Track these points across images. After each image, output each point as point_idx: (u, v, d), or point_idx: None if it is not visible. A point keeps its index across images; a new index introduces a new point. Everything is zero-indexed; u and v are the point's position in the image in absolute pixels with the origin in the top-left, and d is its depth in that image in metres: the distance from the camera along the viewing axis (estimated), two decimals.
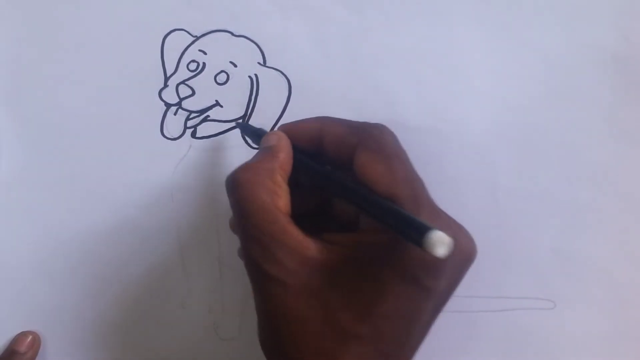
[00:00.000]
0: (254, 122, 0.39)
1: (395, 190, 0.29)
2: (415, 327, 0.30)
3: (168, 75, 0.39)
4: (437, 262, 0.28)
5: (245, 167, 0.31)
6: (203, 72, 0.39)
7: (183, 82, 0.39)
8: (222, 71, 0.39)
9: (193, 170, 0.39)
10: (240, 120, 0.39)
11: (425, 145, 0.39)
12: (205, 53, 0.39)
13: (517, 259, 0.39)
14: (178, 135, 0.39)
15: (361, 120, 0.39)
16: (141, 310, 0.40)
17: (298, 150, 0.33)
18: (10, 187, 0.39)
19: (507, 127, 0.39)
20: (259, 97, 0.39)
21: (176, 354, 0.40)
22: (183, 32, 0.39)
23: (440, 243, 0.25)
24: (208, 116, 0.39)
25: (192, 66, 0.39)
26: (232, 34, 0.39)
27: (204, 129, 0.39)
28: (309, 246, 0.29)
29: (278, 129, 0.34)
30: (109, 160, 0.39)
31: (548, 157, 0.39)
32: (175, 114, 0.39)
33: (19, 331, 0.39)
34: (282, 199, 0.30)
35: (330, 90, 0.39)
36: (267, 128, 0.39)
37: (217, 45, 0.39)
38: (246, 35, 0.39)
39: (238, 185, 0.30)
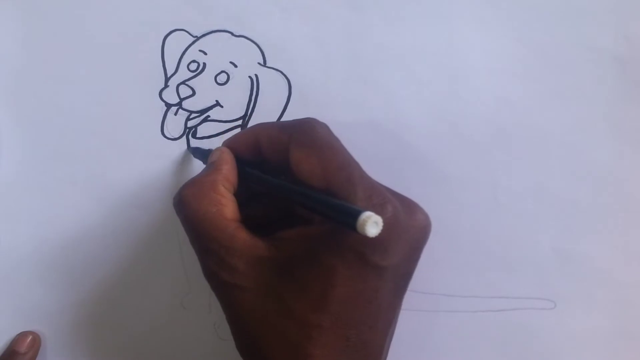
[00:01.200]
0: (254, 122, 0.39)
1: (329, 178, 0.30)
2: (376, 308, 0.30)
3: (168, 75, 0.39)
4: (382, 238, 0.28)
5: (188, 184, 0.32)
6: (203, 73, 0.39)
7: (183, 83, 0.39)
8: (222, 71, 0.39)
9: (193, 170, 0.39)
10: (192, 145, 0.39)
11: (425, 145, 0.39)
12: (205, 53, 0.39)
13: (517, 259, 0.39)
14: (178, 135, 0.39)
15: (361, 119, 0.39)
16: (142, 310, 0.40)
17: (244, 162, 0.34)
18: (10, 187, 0.39)
19: (507, 127, 0.39)
20: (259, 97, 0.39)
21: (177, 353, 0.40)
22: (183, 32, 0.39)
23: (371, 223, 0.25)
24: (208, 116, 0.39)
25: (193, 66, 0.39)
26: (233, 34, 0.39)
27: (204, 129, 0.39)
28: (259, 246, 0.30)
29: (222, 144, 0.35)
30: (109, 160, 0.39)
31: (548, 157, 0.39)
32: (175, 114, 0.39)
33: (19, 331, 0.39)
34: (227, 208, 0.31)
35: (330, 90, 0.39)
36: None
37: (217, 46, 0.39)
38: (246, 35, 0.39)
39: (184, 201, 0.32)
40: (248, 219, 0.32)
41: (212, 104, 0.39)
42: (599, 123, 0.39)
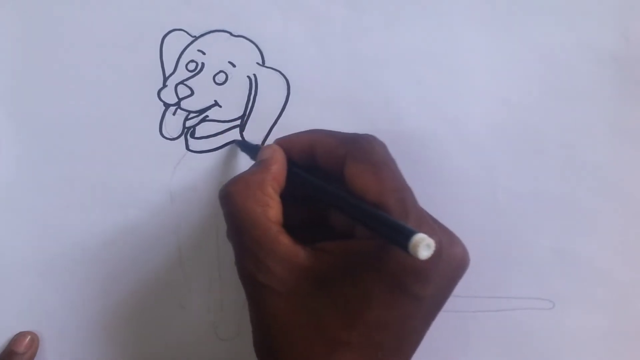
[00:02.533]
0: (252, 122, 0.39)
1: (383, 198, 0.30)
2: (405, 334, 0.30)
3: (167, 75, 0.39)
4: (424, 268, 0.28)
5: (237, 180, 0.32)
6: (202, 72, 0.39)
7: (182, 82, 0.39)
8: (220, 71, 0.39)
9: (192, 170, 0.39)
10: (238, 138, 0.39)
11: (425, 145, 0.39)
12: (204, 53, 0.39)
13: (517, 259, 0.39)
14: (177, 135, 0.39)
15: (361, 119, 0.39)
16: (140, 310, 0.40)
17: (293, 163, 0.34)
18: (10, 187, 0.39)
19: (507, 127, 0.39)
20: (258, 97, 0.39)
21: (175, 354, 0.40)
22: (182, 32, 0.39)
23: (424, 245, 0.25)
24: (207, 116, 0.39)
25: (191, 66, 0.39)
26: (231, 34, 0.39)
27: (202, 129, 0.39)
28: (299, 254, 0.30)
29: (274, 142, 0.36)
30: (108, 160, 0.39)
31: (548, 157, 0.39)
32: (174, 114, 0.39)
33: (17, 331, 0.39)
34: (273, 210, 0.31)
35: (329, 91, 0.39)
36: (266, 129, 0.39)
37: (216, 45, 0.39)
38: (245, 35, 0.39)
39: (230, 197, 0.32)
40: (285, 222, 0.32)
41: (210, 103, 0.39)
42: (599, 123, 0.39)
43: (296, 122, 0.39)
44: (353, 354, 0.29)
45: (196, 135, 0.39)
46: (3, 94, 0.39)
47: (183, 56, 0.39)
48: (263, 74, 0.39)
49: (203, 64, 0.39)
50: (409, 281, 0.29)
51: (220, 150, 0.39)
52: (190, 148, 0.39)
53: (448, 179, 0.39)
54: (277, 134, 0.38)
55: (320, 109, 0.39)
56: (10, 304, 0.39)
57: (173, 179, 0.39)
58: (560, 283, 0.39)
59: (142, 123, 0.39)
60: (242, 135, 0.39)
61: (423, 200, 0.32)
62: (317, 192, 0.32)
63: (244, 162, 0.39)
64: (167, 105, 0.39)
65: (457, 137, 0.39)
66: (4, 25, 0.39)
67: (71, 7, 0.39)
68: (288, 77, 0.39)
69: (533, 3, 0.39)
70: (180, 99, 0.39)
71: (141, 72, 0.39)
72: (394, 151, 0.39)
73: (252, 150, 0.37)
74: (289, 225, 0.32)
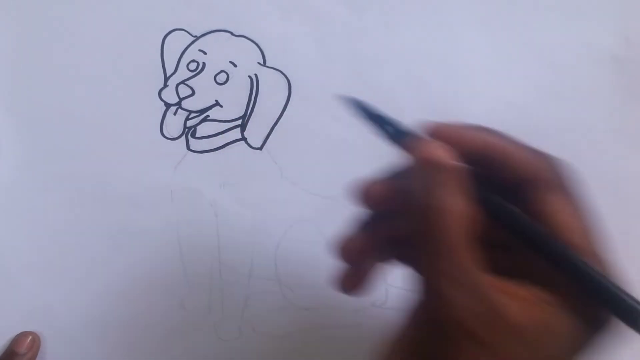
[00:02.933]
0: (253, 122, 0.39)
1: (593, 248, 0.25)
2: None
3: (168, 75, 0.39)
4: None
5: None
6: (203, 72, 0.39)
7: (183, 82, 0.39)
8: (222, 71, 0.39)
9: (193, 170, 0.39)
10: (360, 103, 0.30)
11: None
12: (205, 53, 0.39)
13: None
14: (178, 135, 0.39)
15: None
16: (141, 311, 0.40)
17: (481, 182, 0.26)
18: (10, 187, 0.39)
19: (507, 127, 0.39)
20: (259, 97, 0.39)
21: (176, 354, 0.40)
22: (183, 32, 0.39)
23: None
24: (208, 116, 0.39)
25: (192, 66, 0.39)
26: (232, 33, 0.39)
27: (203, 129, 0.39)
28: (512, 307, 0.24)
29: (427, 129, 0.27)
30: (109, 160, 0.39)
31: None
32: (175, 113, 0.39)
33: (18, 332, 0.39)
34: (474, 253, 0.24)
35: (330, 90, 0.39)
36: (267, 128, 0.39)
37: (217, 45, 0.39)
38: (246, 35, 0.39)
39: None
40: None
41: (211, 103, 0.39)
42: (599, 123, 0.39)
43: (297, 122, 0.39)
44: None
45: (197, 135, 0.39)
46: (3, 93, 0.39)
47: (184, 56, 0.39)
48: (264, 74, 0.39)
49: (204, 63, 0.39)
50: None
51: (221, 150, 0.39)
52: (191, 148, 0.39)
53: None
54: (278, 133, 0.38)
55: (321, 108, 0.39)
56: (11, 304, 0.39)
57: (174, 179, 0.39)
58: None
59: (143, 123, 0.39)
60: (243, 135, 0.39)
61: None
62: (518, 230, 0.25)
63: (245, 162, 0.39)
64: (168, 105, 0.39)
65: None
66: (4, 25, 0.39)
67: (71, 7, 0.39)
68: (289, 77, 0.39)
69: (533, 3, 0.39)
70: (181, 99, 0.39)
71: (142, 72, 0.39)
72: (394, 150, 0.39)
73: (393, 132, 0.27)
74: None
